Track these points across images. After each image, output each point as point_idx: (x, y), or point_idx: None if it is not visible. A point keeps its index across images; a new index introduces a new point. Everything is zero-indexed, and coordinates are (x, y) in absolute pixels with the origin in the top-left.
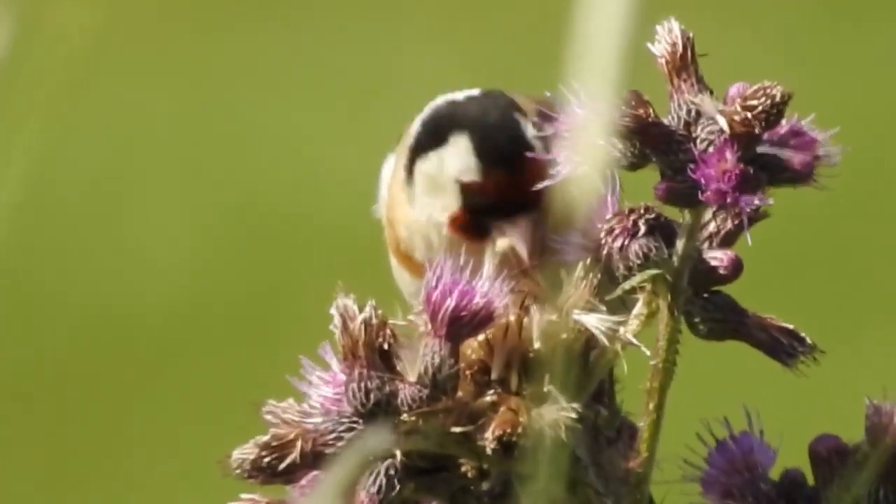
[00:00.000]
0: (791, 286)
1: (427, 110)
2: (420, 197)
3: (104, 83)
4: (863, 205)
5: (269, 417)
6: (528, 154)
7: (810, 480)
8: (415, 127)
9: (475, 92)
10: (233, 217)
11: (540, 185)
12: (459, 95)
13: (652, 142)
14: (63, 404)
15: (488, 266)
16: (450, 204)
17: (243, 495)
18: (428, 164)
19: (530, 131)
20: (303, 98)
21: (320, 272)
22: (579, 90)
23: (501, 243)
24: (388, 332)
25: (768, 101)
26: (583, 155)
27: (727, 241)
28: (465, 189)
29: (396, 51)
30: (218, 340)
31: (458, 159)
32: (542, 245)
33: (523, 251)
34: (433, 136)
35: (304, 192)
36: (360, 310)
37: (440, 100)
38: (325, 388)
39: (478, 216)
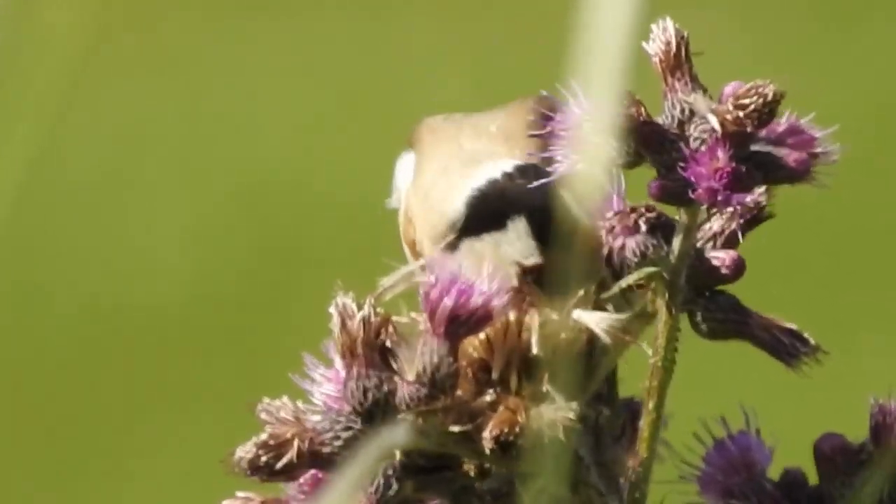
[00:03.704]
0: (788, 286)
1: (470, 191)
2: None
3: (101, 80)
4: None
5: (263, 416)
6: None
7: (811, 479)
8: (459, 203)
9: (508, 166)
10: (232, 212)
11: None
12: (496, 171)
13: (644, 140)
14: (62, 401)
15: (488, 266)
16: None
17: (239, 493)
18: (480, 245)
19: (575, 208)
20: (302, 92)
21: (320, 268)
22: (579, 89)
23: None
24: (390, 329)
25: (760, 100)
26: (581, 153)
27: (732, 241)
28: (525, 269)
29: (396, 44)
30: (219, 336)
31: (518, 244)
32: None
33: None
34: (484, 219)
35: (304, 188)
36: (359, 308)
37: (480, 179)
38: (327, 386)
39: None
